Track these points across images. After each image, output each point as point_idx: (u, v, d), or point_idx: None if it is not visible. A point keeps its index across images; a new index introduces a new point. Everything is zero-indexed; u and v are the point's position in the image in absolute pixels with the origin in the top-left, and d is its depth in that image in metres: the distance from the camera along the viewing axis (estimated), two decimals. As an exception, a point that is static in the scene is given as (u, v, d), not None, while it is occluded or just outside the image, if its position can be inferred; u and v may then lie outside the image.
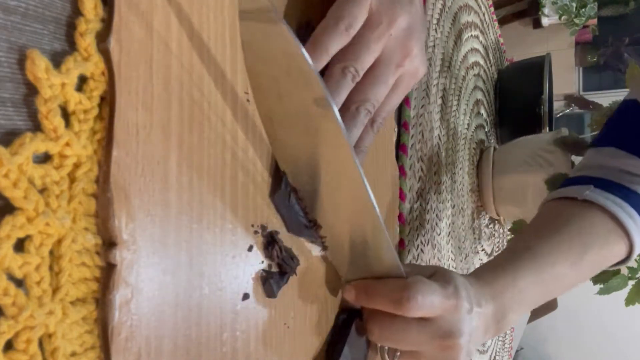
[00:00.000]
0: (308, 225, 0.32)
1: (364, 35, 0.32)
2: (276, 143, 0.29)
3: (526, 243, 0.43)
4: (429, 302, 0.33)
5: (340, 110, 0.32)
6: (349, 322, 0.35)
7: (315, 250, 0.34)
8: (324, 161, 0.29)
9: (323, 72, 0.31)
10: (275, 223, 0.31)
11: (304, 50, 0.24)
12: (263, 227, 0.29)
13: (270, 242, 0.29)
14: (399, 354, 0.35)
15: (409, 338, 0.34)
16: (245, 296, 0.28)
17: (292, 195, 0.31)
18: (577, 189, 0.45)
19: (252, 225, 0.28)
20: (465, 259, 0.73)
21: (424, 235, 0.58)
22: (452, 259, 0.67)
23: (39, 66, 0.18)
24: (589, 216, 0.43)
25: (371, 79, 0.33)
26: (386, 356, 0.36)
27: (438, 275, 0.36)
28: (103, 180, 0.20)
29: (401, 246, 0.52)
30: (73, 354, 0.19)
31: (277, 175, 0.30)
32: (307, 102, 0.26)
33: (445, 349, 0.34)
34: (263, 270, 0.29)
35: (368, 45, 0.31)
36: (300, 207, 0.31)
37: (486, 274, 0.40)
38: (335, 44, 0.30)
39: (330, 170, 0.29)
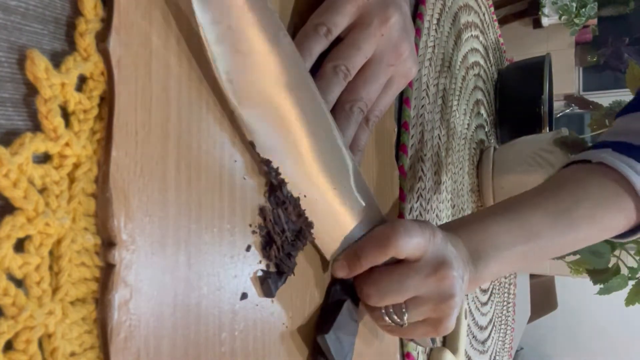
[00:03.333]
0: (287, 199, 0.30)
1: (354, 35, 0.32)
2: (238, 110, 0.27)
3: (506, 199, 0.43)
4: (413, 235, 0.33)
5: (333, 110, 0.32)
6: (340, 300, 0.35)
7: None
8: (287, 108, 0.28)
9: (315, 72, 0.31)
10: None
11: None
12: (261, 227, 0.29)
13: (268, 242, 0.29)
14: (405, 310, 0.35)
15: (405, 283, 0.34)
16: (244, 296, 0.28)
17: (264, 166, 0.29)
18: (594, 152, 0.43)
19: (250, 225, 0.29)
20: (465, 259, 0.73)
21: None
22: (451, 259, 0.67)
23: (39, 66, 0.18)
24: (593, 177, 0.41)
25: (363, 78, 0.33)
26: (394, 317, 0.35)
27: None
28: (102, 180, 0.20)
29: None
30: (72, 354, 0.19)
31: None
32: (265, 44, 0.26)
33: (441, 280, 0.34)
34: (261, 270, 0.29)
35: (358, 45, 0.32)
36: (274, 179, 0.30)
37: (450, 223, 0.40)
38: (317, 48, 0.30)
39: (295, 119, 0.29)
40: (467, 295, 0.68)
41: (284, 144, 0.29)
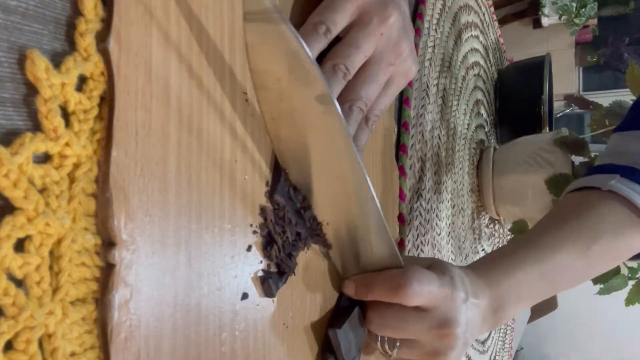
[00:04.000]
0: (308, 221, 0.32)
1: (354, 34, 0.32)
2: (278, 142, 0.30)
3: (530, 235, 0.43)
4: (425, 289, 0.33)
5: None
6: (352, 304, 0.36)
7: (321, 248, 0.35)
8: (325, 157, 0.29)
9: None
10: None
11: (306, 48, 0.24)
12: (262, 227, 0.29)
13: (269, 242, 0.29)
14: (398, 344, 0.36)
15: (406, 327, 0.34)
16: (244, 296, 0.28)
17: (292, 191, 0.31)
18: (602, 178, 0.43)
19: (251, 225, 0.29)
20: (465, 259, 0.73)
21: (424, 235, 0.58)
22: (452, 259, 0.67)
23: (39, 66, 0.18)
24: (607, 206, 0.41)
25: (363, 77, 0.33)
26: (386, 346, 0.36)
27: (435, 265, 0.36)
28: (102, 180, 0.20)
29: (401, 246, 0.52)
30: (72, 354, 0.19)
31: (277, 174, 0.30)
32: (309, 100, 0.27)
33: (441, 338, 0.34)
34: (262, 270, 0.29)
35: (358, 44, 0.32)
36: (299, 203, 0.31)
37: (483, 266, 0.40)
38: (316, 47, 0.31)
39: (332, 165, 0.30)
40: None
41: (315, 179, 0.31)
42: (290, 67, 0.25)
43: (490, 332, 0.82)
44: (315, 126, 0.28)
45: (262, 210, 0.29)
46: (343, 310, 0.35)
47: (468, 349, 0.38)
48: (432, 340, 0.35)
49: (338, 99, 0.32)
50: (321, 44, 0.31)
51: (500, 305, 0.38)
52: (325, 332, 0.34)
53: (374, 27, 0.32)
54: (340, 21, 0.32)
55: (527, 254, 0.40)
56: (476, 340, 0.75)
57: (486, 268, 0.40)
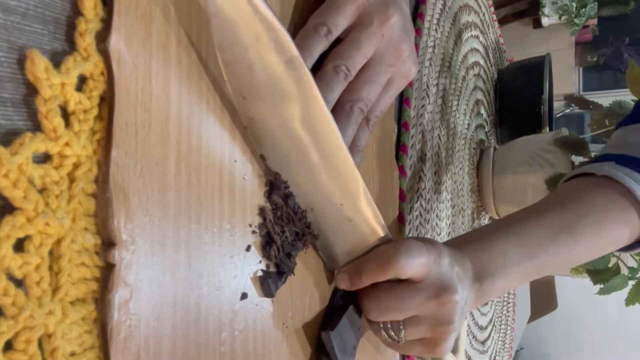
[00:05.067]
0: (292, 209, 0.32)
1: (355, 35, 0.32)
2: (251, 124, 0.28)
3: (511, 214, 0.43)
4: (416, 258, 0.33)
5: (333, 110, 0.32)
6: (345, 303, 0.35)
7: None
8: (301, 130, 0.28)
9: (315, 72, 0.31)
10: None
11: (272, 11, 0.24)
12: (261, 227, 0.29)
13: (268, 242, 0.30)
14: (402, 326, 0.35)
15: (405, 303, 0.34)
16: (244, 296, 0.28)
17: (277, 177, 0.30)
18: (598, 165, 0.43)
19: (250, 225, 0.29)
20: (465, 259, 0.73)
21: (424, 235, 0.58)
22: (451, 259, 0.67)
23: (39, 66, 0.18)
24: (599, 191, 0.41)
25: (363, 78, 0.33)
26: (391, 332, 0.36)
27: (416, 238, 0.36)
28: (102, 180, 0.20)
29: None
30: (72, 354, 0.19)
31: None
32: (280, 66, 0.26)
33: (442, 305, 0.34)
34: (261, 270, 0.29)
35: (359, 45, 0.32)
36: (283, 189, 0.31)
37: (457, 240, 0.40)
38: (317, 48, 0.31)
39: (308, 137, 0.29)
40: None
41: (294, 158, 0.30)
42: (257, 33, 0.24)
43: (490, 332, 0.82)
44: (287, 97, 0.27)
45: (261, 211, 0.29)
46: (336, 310, 0.35)
47: (465, 317, 0.37)
48: (433, 310, 0.34)
49: (339, 99, 0.32)
50: (322, 45, 0.31)
51: (484, 275, 0.38)
52: (318, 334, 0.34)
53: (375, 28, 0.32)
54: (341, 23, 0.32)
55: (507, 229, 0.40)
56: (476, 340, 0.75)
57: (464, 242, 0.40)
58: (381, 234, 0.34)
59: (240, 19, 0.24)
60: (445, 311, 0.34)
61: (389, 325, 0.36)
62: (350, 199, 0.32)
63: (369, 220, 0.33)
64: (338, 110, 0.33)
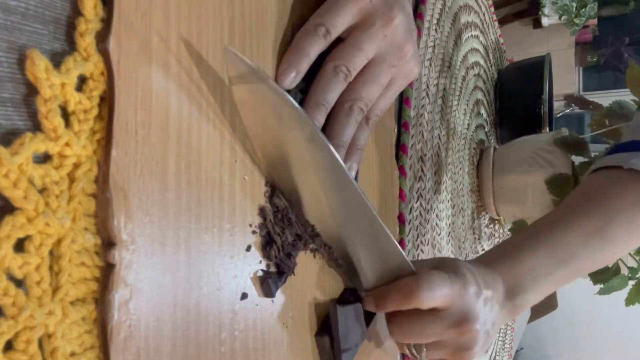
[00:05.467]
0: (304, 225, 0.33)
1: (356, 35, 0.32)
2: (278, 179, 0.31)
3: (540, 220, 0.42)
4: (437, 291, 0.33)
5: (333, 108, 0.32)
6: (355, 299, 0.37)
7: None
8: (323, 188, 0.31)
9: (315, 72, 0.32)
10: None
11: (289, 98, 0.26)
12: (261, 227, 0.29)
13: (268, 242, 0.29)
14: (425, 347, 0.36)
15: (427, 330, 0.35)
16: (244, 296, 0.28)
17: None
18: (624, 156, 0.42)
19: (250, 225, 0.29)
20: (465, 259, 0.73)
21: (424, 235, 0.58)
22: (451, 259, 0.67)
23: (39, 66, 0.18)
24: (628, 185, 0.39)
25: (364, 78, 0.33)
26: (413, 350, 0.37)
27: (443, 264, 0.37)
28: (102, 180, 0.20)
29: (401, 246, 0.52)
30: (72, 354, 0.19)
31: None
32: (301, 141, 0.28)
33: (462, 334, 0.35)
34: (261, 270, 0.29)
35: (360, 45, 0.32)
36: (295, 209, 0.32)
37: (492, 256, 0.40)
38: (315, 48, 0.31)
39: (331, 197, 0.31)
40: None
41: (310, 207, 0.32)
42: (278, 116, 0.27)
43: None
44: (309, 163, 0.29)
45: (262, 211, 0.29)
46: (348, 299, 0.36)
47: (492, 339, 0.38)
48: (454, 338, 0.35)
49: (339, 98, 0.32)
50: (320, 45, 0.31)
51: (516, 292, 0.38)
52: (325, 313, 0.34)
53: (377, 29, 0.32)
54: (340, 24, 0.32)
55: (537, 239, 0.40)
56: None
57: (496, 258, 0.40)
58: (401, 260, 0.35)
59: (262, 104, 0.27)
60: (466, 339, 0.35)
61: (412, 344, 0.37)
62: (371, 238, 0.33)
63: (389, 251, 0.34)
64: (337, 109, 0.33)
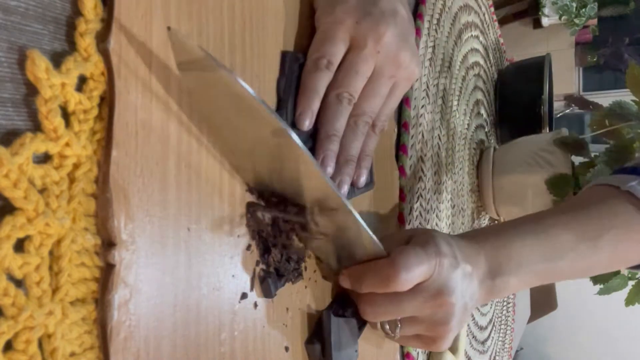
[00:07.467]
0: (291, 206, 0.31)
1: (351, 59, 0.33)
2: (241, 170, 0.29)
3: (535, 213, 0.42)
4: (415, 270, 0.32)
5: None
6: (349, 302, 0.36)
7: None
8: (291, 176, 0.29)
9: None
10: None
11: (249, 89, 0.23)
12: (261, 227, 0.29)
13: (268, 242, 0.29)
14: (399, 324, 0.35)
15: (402, 307, 0.34)
16: (244, 296, 0.28)
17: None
18: (624, 178, 0.43)
19: (250, 226, 0.28)
20: (465, 259, 0.73)
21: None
22: (451, 259, 0.67)
23: (39, 66, 0.18)
24: (621, 205, 0.40)
25: (365, 93, 0.34)
26: (387, 327, 0.36)
27: (417, 237, 0.36)
28: (102, 180, 0.20)
29: (401, 246, 0.52)
30: (72, 354, 0.19)
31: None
32: (265, 134, 0.26)
33: (438, 308, 0.34)
34: (261, 270, 0.29)
35: (357, 69, 0.33)
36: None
37: (480, 233, 0.40)
38: (322, 83, 0.32)
39: (299, 183, 0.29)
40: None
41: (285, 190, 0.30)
42: (237, 107, 0.24)
43: (490, 332, 0.82)
44: (274, 154, 0.27)
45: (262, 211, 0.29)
46: (343, 304, 0.35)
47: (469, 314, 0.37)
48: (430, 312, 0.34)
49: None
50: (327, 78, 0.32)
51: (498, 272, 0.38)
52: (319, 316, 0.34)
53: (370, 49, 0.33)
54: (337, 52, 0.33)
55: (527, 227, 0.40)
56: (476, 340, 0.75)
57: (484, 236, 0.39)
58: (372, 245, 0.33)
59: (218, 95, 0.24)
60: (442, 312, 0.34)
61: (385, 323, 0.36)
62: (342, 224, 0.31)
63: (360, 236, 0.33)
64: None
